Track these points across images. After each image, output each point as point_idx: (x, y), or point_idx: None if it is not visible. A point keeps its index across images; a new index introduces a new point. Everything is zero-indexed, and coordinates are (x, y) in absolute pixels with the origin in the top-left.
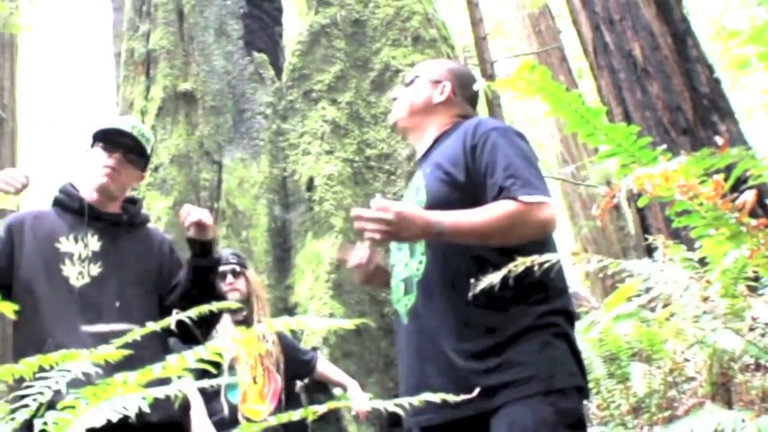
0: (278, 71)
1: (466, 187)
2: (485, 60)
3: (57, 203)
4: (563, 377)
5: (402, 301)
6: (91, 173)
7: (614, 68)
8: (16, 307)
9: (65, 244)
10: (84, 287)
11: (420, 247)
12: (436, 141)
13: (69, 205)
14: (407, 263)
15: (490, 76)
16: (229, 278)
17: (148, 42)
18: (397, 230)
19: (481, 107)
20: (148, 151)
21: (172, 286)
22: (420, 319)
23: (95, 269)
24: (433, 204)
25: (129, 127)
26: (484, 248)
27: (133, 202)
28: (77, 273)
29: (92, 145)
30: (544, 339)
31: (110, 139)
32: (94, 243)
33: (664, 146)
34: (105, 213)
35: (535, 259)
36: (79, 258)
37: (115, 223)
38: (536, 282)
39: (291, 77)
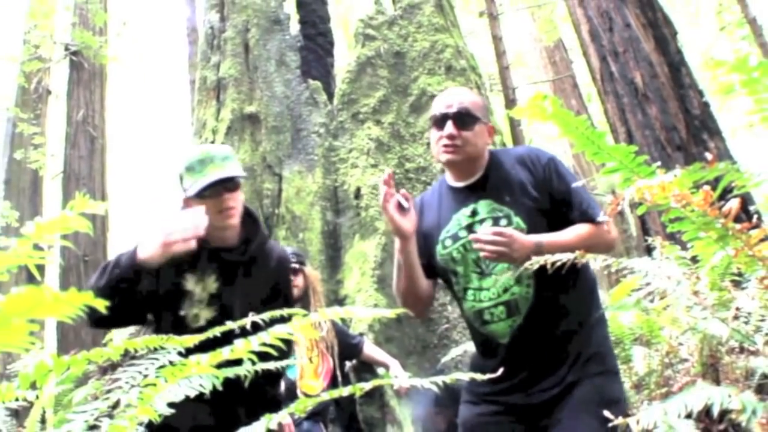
0: (330, 96)
1: (550, 212)
2: (508, 86)
3: None
4: (616, 361)
5: (504, 322)
6: (210, 218)
7: (618, 93)
8: (107, 303)
9: (188, 283)
10: (200, 329)
11: (526, 272)
12: (486, 176)
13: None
14: (508, 288)
15: (512, 101)
16: (290, 275)
17: (219, 71)
18: (511, 251)
19: (503, 125)
20: (240, 171)
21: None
22: (526, 335)
23: (208, 313)
24: (532, 231)
25: (226, 169)
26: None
27: (254, 223)
28: (193, 315)
29: (198, 196)
30: (606, 329)
31: (221, 184)
32: (211, 284)
33: (659, 163)
34: (224, 254)
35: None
36: (198, 299)
37: (233, 261)
38: (595, 283)
39: (341, 101)
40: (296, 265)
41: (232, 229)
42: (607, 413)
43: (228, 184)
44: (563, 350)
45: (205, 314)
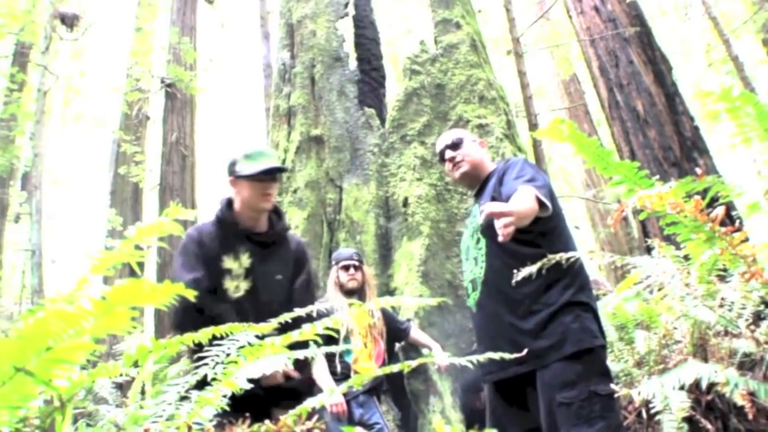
0: (382, 121)
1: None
2: (531, 113)
3: (219, 222)
4: (590, 339)
5: (471, 296)
6: (250, 198)
7: (623, 119)
8: (195, 292)
9: (226, 262)
10: (240, 299)
11: (481, 256)
12: (485, 181)
13: (228, 228)
14: (472, 269)
15: (534, 125)
16: (351, 270)
17: (290, 100)
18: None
19: (527, 145)
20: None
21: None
22: (485, 308)
23: (246, 284)
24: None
25: (277, 160)
26: (524, 251)
27: (278, 214)
28: (234, 287)
29: (241, 177)
30: (576, 313)
31: (267, 174)
32: (245, 260)
33: (657, 176)
34: (255, 235)
35: (563, 256)
36: (235, 275)
37: (262, 242)
38: (564, 273)
39: (392, 125)
40: (356, 263)
41: (263, 214)
42: (566, 396)
43: (277, 174)
44: (521, 336)
45: (243, 285)
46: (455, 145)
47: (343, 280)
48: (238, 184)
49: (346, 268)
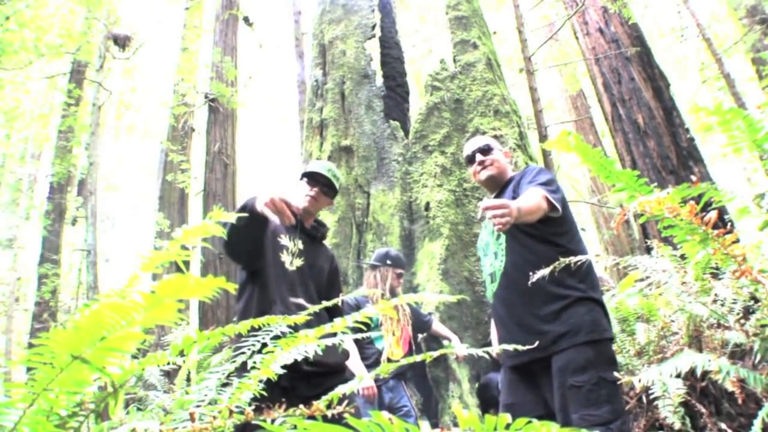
0: (406, 133)
1: None
2: (541, 125)
3: None
4: (600, 331)
5: (490, 287)
6: (299, 197)
7: (625, 131)
8: (236, 286)
9: (283, 240)
10: (292, 272)
11: (501, 251)
12: (505, 186)
13: None
14: (492, 263)
15: (544, 137)
16: (401, 279)
17: (322, 114)
18: (513, 218)
19: (538, 154)
20: (337, 186)
21: (328, 290)
22: (503, 299)
23: (299, 262)
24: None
25: (326, 170)
26: (541, 248)
27: (322, 225)
28: (289, 261)
29: (301, 179)
30: (589, 307)
31: (313, 177)
32: (299, 244)
33: (656, 183)
34: (305, 226)
35: (573, 258)
36: (291, 252)
37: (311, 235)
38: (577, 270)
39: (415, 137)
40: (402, 272)
41: (307, 212)
42: (576, 380)
43: (317, 179)
44: (538, 323)
45: (297, 262)
46: (486, 150)
47: (395, 284)
48: (298, 185)
49: (401, 276)
